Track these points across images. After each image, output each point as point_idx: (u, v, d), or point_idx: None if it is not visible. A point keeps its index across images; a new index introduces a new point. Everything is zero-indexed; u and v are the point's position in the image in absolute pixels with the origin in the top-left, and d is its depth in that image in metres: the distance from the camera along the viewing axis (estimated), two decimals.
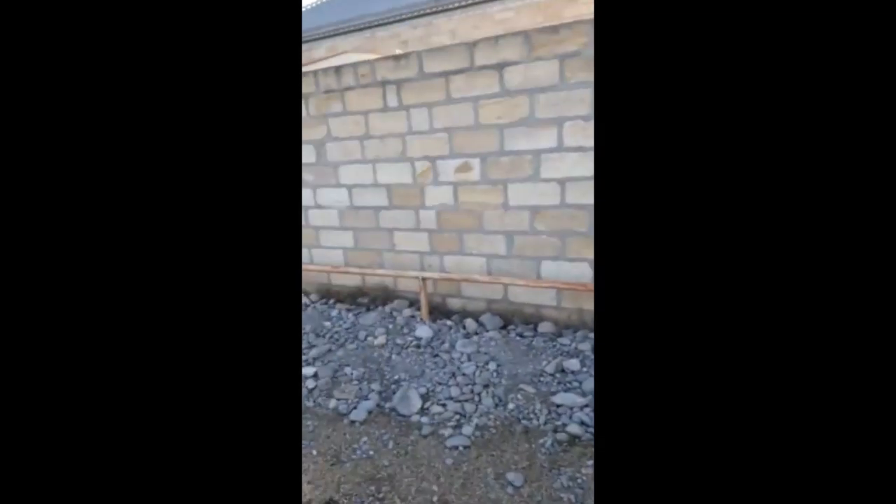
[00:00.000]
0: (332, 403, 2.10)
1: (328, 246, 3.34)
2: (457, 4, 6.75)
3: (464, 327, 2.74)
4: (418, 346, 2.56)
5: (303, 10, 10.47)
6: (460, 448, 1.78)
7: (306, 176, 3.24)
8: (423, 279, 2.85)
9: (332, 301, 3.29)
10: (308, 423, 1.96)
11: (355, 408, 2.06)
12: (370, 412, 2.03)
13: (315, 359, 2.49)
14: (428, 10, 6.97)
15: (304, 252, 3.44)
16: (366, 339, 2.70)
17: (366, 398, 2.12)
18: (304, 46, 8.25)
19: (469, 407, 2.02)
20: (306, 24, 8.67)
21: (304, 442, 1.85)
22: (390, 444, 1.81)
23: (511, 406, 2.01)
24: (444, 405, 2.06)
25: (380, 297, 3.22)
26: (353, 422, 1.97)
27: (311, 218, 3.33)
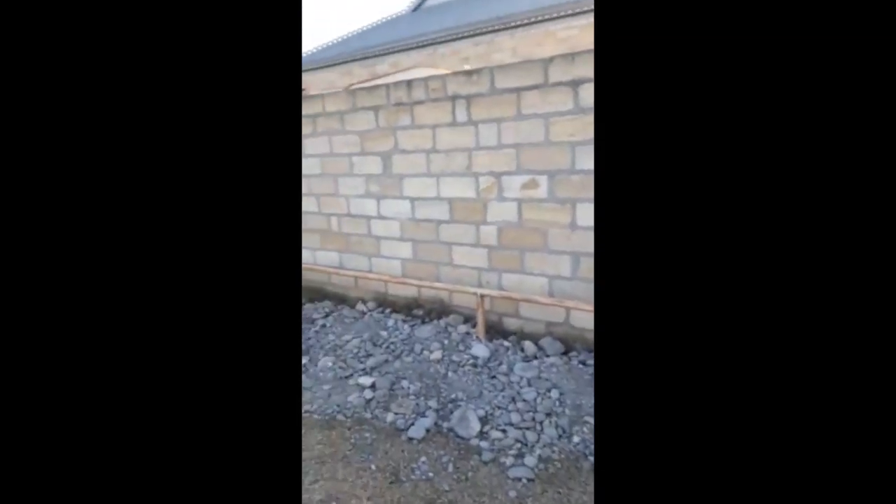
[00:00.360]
0: (390, 417, 2.07)
1: (387, 256, 3.38)
2: (519, 22, 6.77)
3: (522, 350, 2.65)
4: (475, 366, 2.49)
5: (366, 28, 10.94)
6: (524, 480, 1.68)
7: (372, 187, 3.31)
8: (482, 296, 2.79)
9: (387, 310, 3.31)
10: (367, 436, 1.94)
11: (413, 424, 2.02)
12: (428, 430, 1.98)
13: (373, 368, 2.49)
14: (490, 28, 7.04)
15: (365, 261, 3.50)
16: (421, 352, 2.67)
17: (423, 415, 2.08)
18: (368, 62, 8.59)
19: (531, 436, 1.92)
20: (370, 41, 9.03)
21: (362, 455, 1.83)
22: (450, 468, 1.75)
23: (576, 439, 1.89)
24: (503, 431, 1.97)
25: (435, 311, 3.20)
26: (410, 439, 1.93)
27: (374, 228, 3.38)
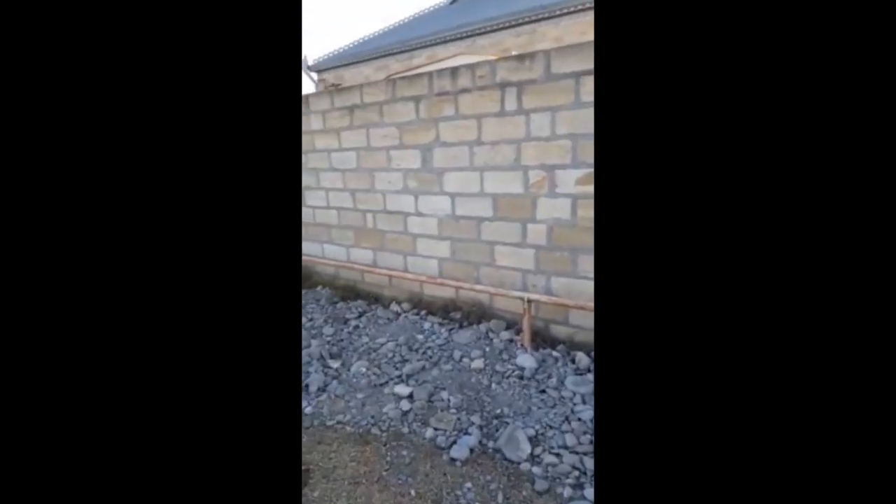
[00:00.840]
0: (429, 433, 1.88)
1: (424, 255, 3.20)
2: (564, 10, 6.44)
3: (573, 361, 2.40)
4: (521, 378, 2.27)
5: (403, 21, 10.81)
6: None
7: (410, 182, 3.13)
8: (528, 301, 2.56)
9: (423, 312, 3.13)
10: (404, 454, 1.76)
11: (455, 442, 1.82)
12: (472, 450, 1.78)
13: (409, 376, 2.32)
14: (532, 18, 6.74)
15: (400, 259, 3.33)
16: (461, 360, 2.47)
17: (466, 432, 1.88)
18: (404, 56, 8.45)
19: (590, 462, 1.69)
20: (406, 34, 8.89)
21: (400, 477, 1.65)
22: (500, 497, 1.55)
23: None
24: (558, 455, 1.75)
25: (474, 314, 2.99)
26: (453, 459, 1.73)
27: (411, 225, 3.21)
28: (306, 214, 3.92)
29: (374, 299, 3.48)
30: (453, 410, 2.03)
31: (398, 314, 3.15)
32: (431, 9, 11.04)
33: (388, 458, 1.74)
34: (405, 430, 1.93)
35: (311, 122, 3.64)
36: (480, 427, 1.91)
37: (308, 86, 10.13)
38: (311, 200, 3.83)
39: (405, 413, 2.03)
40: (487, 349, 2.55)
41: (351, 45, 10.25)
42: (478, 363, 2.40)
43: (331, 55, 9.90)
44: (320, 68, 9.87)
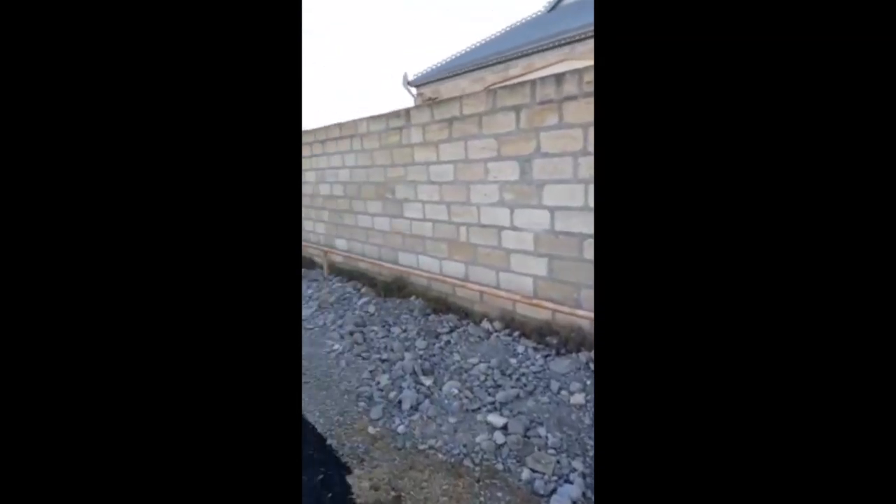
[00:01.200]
0: (525, 474, 1.72)
1: (518, 272, 3.04)
2: None
3: None
4: None
5: (500, 32, 10.81)
6: None
7: (506, 195, 3.01)
8: None
9: (516, 333, 2.96)
10: (499, 496, 1.62)
11: (555, 491, 1.63)
12: (574, 503, 1.57)
13: (503, 404, 2.17)
14: None
15: (492, 275, 3.21)
16: (559, 392, 2.26)
17: (567, 479, 1.68)
18: (499, 67, 8.41)
19: None
20: (502, 45, 8.84)
21: None
22: None
23: None
24: None
25: (572, 341, 2.74)
26: None
27: (505, 240, 3.08)
28: (403, 225, 4.00)
29: (465, 314, 3.41)
30: (552, 451, 1.83)
31: (489, 333, 3.02)
32: (527, 19, 10.88)
33: (482, 499, 1.61)
34: (499, 466, 1.78)
35: (411, 136, 3.72)
36: (583, 475, 1.69)
37: (407, 100, 10.59)
38: (409, 212, 3.90)
39: (499, 446, 1.88)
40: (588, 382, 2.30)
41: (448, 60, 10.51)
42: (578, 398, 2.17)
43: (428, 70, 10.26)
44: (418, 83, 10.28)
